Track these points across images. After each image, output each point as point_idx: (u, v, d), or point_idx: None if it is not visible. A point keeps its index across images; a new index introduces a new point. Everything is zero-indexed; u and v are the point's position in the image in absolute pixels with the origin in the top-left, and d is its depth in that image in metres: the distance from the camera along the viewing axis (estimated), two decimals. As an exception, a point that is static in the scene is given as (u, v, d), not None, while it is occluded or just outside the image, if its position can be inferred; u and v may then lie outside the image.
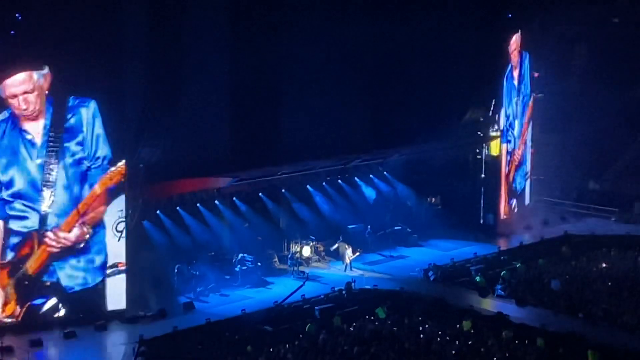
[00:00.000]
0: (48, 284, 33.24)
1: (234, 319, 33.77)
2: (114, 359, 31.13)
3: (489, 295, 36.86)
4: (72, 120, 32.92)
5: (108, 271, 33.92)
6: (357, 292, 36.88)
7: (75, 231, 33.25)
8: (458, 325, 32.45)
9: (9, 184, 32.45)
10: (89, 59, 31.98)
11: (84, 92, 32.92)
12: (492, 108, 46.24)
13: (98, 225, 33.72)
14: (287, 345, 30.53)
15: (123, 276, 34.07)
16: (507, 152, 47.32)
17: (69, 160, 33.04)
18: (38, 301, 33.18)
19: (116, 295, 34.05)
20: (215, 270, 37.86)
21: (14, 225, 32.60)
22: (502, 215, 47.14)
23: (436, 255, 42.28)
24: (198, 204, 38.82)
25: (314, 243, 41.71)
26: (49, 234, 32.90)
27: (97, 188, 33.45)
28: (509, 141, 47.28)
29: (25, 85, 32.06)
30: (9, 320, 32.76)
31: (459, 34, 44.12)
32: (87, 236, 33.44)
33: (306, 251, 41.22)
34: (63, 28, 31.74)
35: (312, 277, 39.45)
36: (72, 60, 31.83)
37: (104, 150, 33.41)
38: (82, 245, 33.41)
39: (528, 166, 50.08)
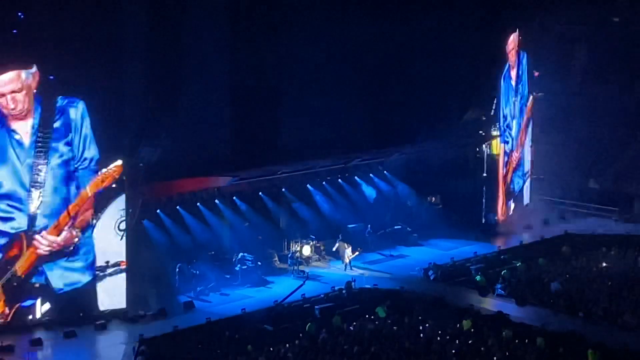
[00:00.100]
0: (37, 285, 32.91)
1: (234, 318, 33.77)
2: (114, 359, 31.07)
3: (489, 294, 36.83)
4: (61, 121, 32.43)
5: (109, 270, 33.82)
6: (357, 291, 36.86)
7: (64, 235, 32.85)
8: (458, 325, 32.40)
9: (-3, 184, 32.01)
10: (78, 58, 31.59)
11: (72, 92, 32.49)
12: (493, 107, 46.25)
13: (87, 228, 33.35)
14: (287, 345, 30.54)
15: (123, 275, 34.05)
16: (505, 153, 47.18)
17: (57, 160, 32.56)
18: (27, 302, 32.90)
19: (116, 294, 34.03)
20: (215, 269, 37.86)
21: (2, 226, 32.11)
22: (500, 217, 47.10)
23: (436, 255, 42.22)
24: (198, 204, 38.87)
25: (314, 242, 41.69)
26: (38, 237, 32.49)
27: (88, 190, 33.04)
28: (506, 142, 47.15)
29: (14, 84, 31.46)
30: (-2, 321, 32.54)
31: (458, 34, 44.17)
32: (77, 239, 33.10)
33: (306, 250, 41.19)
34: (53, 27, 31.43)
35: (312, 276, 39.43)
36: (60, 60, 31.44)
37: (91, 151, 32.95)
38: (71, 248, 33.09)
39: (527, 166, 50.00)
